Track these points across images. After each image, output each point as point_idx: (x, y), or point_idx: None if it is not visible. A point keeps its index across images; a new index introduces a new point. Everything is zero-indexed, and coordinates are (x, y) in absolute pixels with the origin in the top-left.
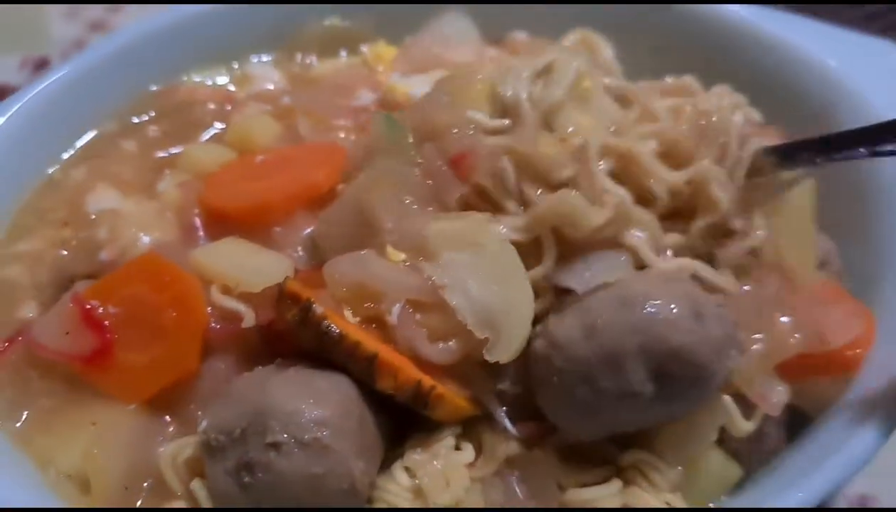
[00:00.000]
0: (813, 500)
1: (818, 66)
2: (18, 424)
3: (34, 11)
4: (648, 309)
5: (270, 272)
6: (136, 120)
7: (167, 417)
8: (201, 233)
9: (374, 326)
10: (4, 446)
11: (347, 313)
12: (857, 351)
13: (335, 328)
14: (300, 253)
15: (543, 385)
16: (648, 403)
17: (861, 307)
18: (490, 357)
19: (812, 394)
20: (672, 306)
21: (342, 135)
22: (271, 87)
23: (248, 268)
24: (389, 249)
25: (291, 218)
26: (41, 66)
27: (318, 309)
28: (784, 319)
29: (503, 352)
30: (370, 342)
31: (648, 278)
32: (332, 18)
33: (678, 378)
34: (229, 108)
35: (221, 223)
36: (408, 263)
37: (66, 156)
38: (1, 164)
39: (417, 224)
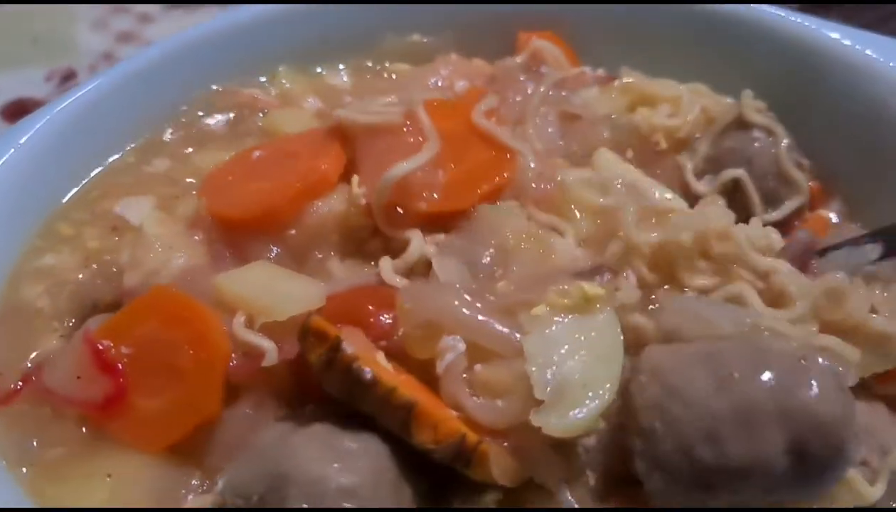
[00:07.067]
0: None
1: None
2: (25, 470)
3: (62, 23)
4: (794, 370)
5: (300, 299)
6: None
7: (191, 469)
8: (227, 252)
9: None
10: (16, 494)
11: (380, 357)
12: None
13: (368, 372)
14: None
15: (645, 440)
16: (777, 481)
17: None
18: (535, 420)
19: None
20: (820, 372)
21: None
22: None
23: (275, 295)
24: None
25: (301, 217)
26: (68, 78)
27: (349, 349)
28: None
29: (555, 421)
30: (407, 389)
31: (779, 338)
32: (413, 35)
33: (817, 456)
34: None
35: (233, 232)
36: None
37: (108, 161)
38: (39, 167)
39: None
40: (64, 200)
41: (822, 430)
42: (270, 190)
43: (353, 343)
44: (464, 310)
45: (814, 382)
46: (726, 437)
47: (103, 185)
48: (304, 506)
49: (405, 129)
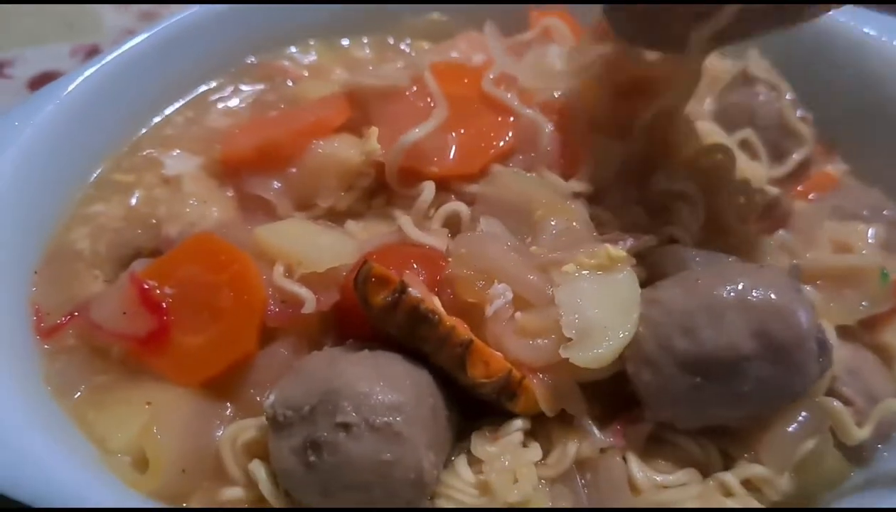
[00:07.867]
0: None
1: None
2: (76, 395)
3: (87, 5)
4: (752, 273)
5: (337, 252)
6: (226, 89)
7: (226, 402)
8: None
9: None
10: (63, 422)
11: (436, 302)
12: None
13: (433, 311)
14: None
15: (633, 346)
16: (752, 366)
17: None
18: (563, 352)
19: None
20: (774, 272)
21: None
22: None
23: (313, 247)
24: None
25: (303, 157)
26: (92, 53)
27: (414, 292)
28: None
29: (581, 354)
30: (464, 328)
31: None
32: (433, 14)
33: (779, 338)
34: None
35: (240, 171)
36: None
37: (155, 119)
38: (94, 115)
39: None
40: (120, 151)
41: (780, 314)
42: (274, 129)
43: (415, 287)
44: (510, 260)
45: (769, 279)
46: (698, 327)
47: (159, 137)
48: (354, 415)
49: (413, 93)
